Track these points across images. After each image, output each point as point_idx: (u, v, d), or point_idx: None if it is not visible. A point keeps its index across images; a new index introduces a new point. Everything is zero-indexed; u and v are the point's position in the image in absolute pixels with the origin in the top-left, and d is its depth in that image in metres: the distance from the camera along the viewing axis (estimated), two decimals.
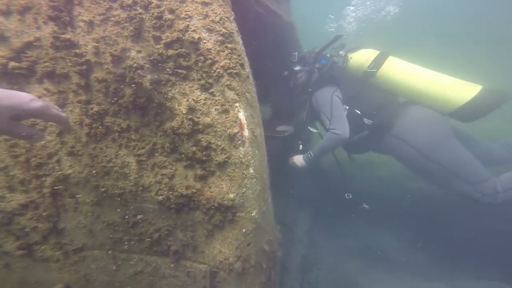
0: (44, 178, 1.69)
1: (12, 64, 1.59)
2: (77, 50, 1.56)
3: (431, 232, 3.51)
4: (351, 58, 3.29)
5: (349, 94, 3.13)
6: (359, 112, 3.01)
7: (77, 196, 1.67)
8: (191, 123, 1.43)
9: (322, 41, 3.49)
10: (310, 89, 3.38)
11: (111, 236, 1.65)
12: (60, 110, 1.17)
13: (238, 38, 1.54)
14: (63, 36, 1.54)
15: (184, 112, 1.44)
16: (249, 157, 1.45)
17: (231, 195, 1.47)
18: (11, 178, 1.74)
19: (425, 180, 3.12)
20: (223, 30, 1.43)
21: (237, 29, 1.56)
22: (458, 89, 2.68)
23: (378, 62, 3.04)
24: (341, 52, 3.45)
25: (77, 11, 1.54)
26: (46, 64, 1.60)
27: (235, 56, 1.45)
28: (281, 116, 4.06)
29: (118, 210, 1.62)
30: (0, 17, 1.59)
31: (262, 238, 1.59)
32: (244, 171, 1.45)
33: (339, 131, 2.98)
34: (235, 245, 1.50)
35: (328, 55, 3.49)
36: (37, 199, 1.73)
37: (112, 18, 1.49)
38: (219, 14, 1.45)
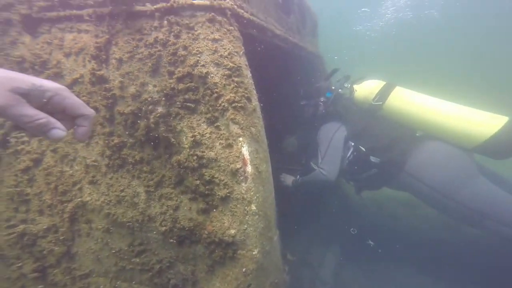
0: (66, 204, 1.79)
1: None
2: (106, 85, 1.68)
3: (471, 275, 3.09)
4: (355, 90, 3.10)
5: (355, 130, 2.89)
6: (364, 149, 2.77)
7: (91, 222, 1.74)
8: (195, 157, 1.43)
9: (347, 43, 3.41)
10: (316, 124, 3.22)
11: (115, 264, 1.66)
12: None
13: (247, 72, 1.55)
14: (98, 72, 1.68)
15: (190, 146, 1.46)
16: (252, 193, 1.40)
17: (232, 231, 1.42)
18: (42, 203, 1.86)
19: (453, 221, 2.80)
20: (231, 64, 1.45)
21: (246, 63, 1.58)
22: (479, 122, 2.35)
23: (383, 93, 2.81)
24: (346, 85, 3.25)
25: (112, 49, 1.67)
26: (83, 98, 1.74)
27: (241, 90, 1.45)
28: (306, 149, 3.99)
29: (125, 238, 1.64)
30: (63, 58, 1.79)
31: (265, 280, 1.49)
32: (246, 208, 1.40)
33: (325, 172, 2.77)
34: (234, 284, 1.42)
35: (333, 87, 3.32)
36: (58, 223, 1.82)
37: (137, 55, 1.59)
38: (228, 49, 1.48)
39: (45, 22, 1.82)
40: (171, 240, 1.51)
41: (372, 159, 2.73)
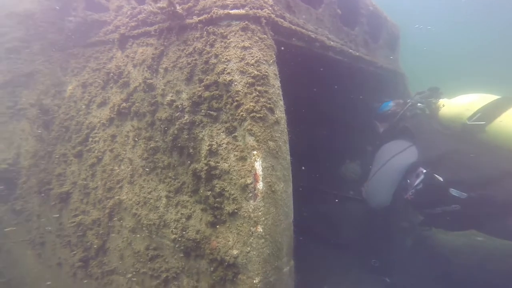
0: (109, 200, 1.93)
1: (123, 105, 1.95)
2: (153, 92, 1.79)
3: None
4: (443, 105, 2.44)
5: (432, 154, 2.27)
6: (441, 179, 2.15)
7: (123, 220, 1.82)
8: (208, 167, 1.36)
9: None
10: (377, 143, 2.71)
11: (133, 264, 1.67)
12: None
13: (274, 81, 1.43)
14: (149, 81, 1.81)
15: (205, 155, 1.39)
16: (260, 213, 1.25)
17: (235, 252, 1.28)
18: (95, 197, 2.06)
19: None
20: (255, 72, 1.35)
21: (275, 72, 1.46)
22: None
23: (489, 111, 2.13)
24: (432, 100, 2.60)
25: (163, 60, 1.78)
26: (136, 104, 1.88)
27: (263, 99, 1.34)
28: None
29: (145, 240, 1.65)
30: (132, 68, 1.99)
31: None
32: (252, 228, 1.25)
33: (367, 197, 2.36)
34: None
35: (400, 101, 2.79)
36: (101, 217, 1.97)
37: (178, 65, 1.64)
38: (256, 57, 1.39)
39: (131, 39, 2.03)
40: (180, 250, 1.46)
41: (454, 192, 2.12)
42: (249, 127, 1.30)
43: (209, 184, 1.38)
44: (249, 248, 1.25)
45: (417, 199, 2.31)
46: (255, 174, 1.26)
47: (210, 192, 1.36)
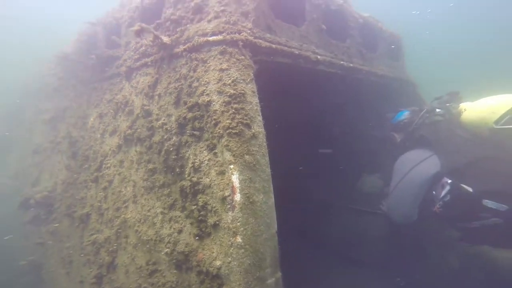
0: (116, 219, 2.06)
1: (128, 132, 2.11)
2: (149, 118, 1.95)
3: None
4: (464, 109, 2.23)
5: (456, 163, 2.06)
6: (471, 190, 1.95)
7: (128, 237, 1.93)
8: (192, 183, 1.43)
9: None
10: (395, 154, 2.50)
11: (136, 280, 1.75)
12: None
13: (252, 99, 1.49)
14: (146, 107, 1.98)
15: (189, 172, 1.47)
16: (238, 223, 1.27)
17: (218, 263, 1.30)
18: (107, 217, 2.21)
19: None
20: (232, 91, 1.42)
21: (253, 89, 1.52)
22: None
23: None
24: (451, 104, 2.39)
25: (157, 87, 1.95)
26: (138, 130, 2.04)
27: (239, 116, 1.39)
28: None
29: (145, 255, 1.73)
30: (134, 97, 2.14)
31: None
32: (231, 239, 1.27)
33: (388, 210, 2.19)
34: None
35: (416, 109, 2.59)
36: (111, 236, 2.11)
37: (168, 90, 1.78)
38: (233, 77, 1.46)
39: (135, 70, 2.20)
40: (172, 263, 1.52)
41: (490, 204, 1.91)
42: (226, 143, 1.37)
43: (194, 198, 1.45)
44: (230, 259, 1.27)
45: (446, 212, 2.09)
46: (233, 186, 1.31)
47: (195, 206, 1.43)
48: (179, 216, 1.55)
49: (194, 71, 1.59)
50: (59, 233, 2.85)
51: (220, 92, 1.45)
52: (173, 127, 1.63)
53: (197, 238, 1.42)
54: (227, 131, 1.37)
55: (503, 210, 1.86)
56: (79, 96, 3.02)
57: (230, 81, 1.47)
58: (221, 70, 1.51)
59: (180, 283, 1.49)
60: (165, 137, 1.66)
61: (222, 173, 1.36)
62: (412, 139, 2.46)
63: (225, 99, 1.43)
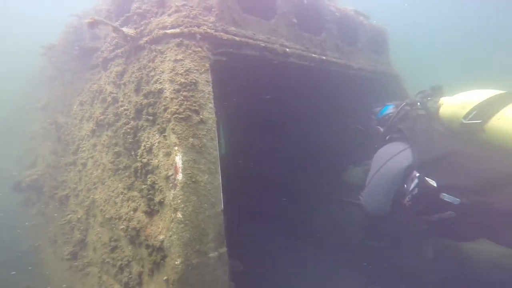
0: (87, 200, 2.18)
1: (100, 117, 2.21)
2: (116, 104, 2.04)
3: None
4: (442, 103, 2.20)
5: (426, 157, 2.03)
6: (434, 184, 1.93)
7: (96, 216, 2.04)
8: (142, 164, 1.53)
9: None
10: (376, 146, 2.51)
11: (101, 256, 1.86)
12: None
13: (203, 87, 1.57)
14: (113, 95, 2.06)
15: (141, 154, 1.57)
16: (179, 201, 1.37)
17: (161, 237, 1.40)
18: (80, 198, 2.32)
19: None
20: (183, 80, 1.50)
21: (207, 79, 1.60)
22: None
23: (487, 108, 1.86)
24: (432, 99, 2.36)
25: (124, 76, 2.03)
26: (108, 116, 2.15)
27: (187, 103, 1.48)
28: None
29: (108, 232, 1.84)
30: (108, 86, 2.26)
31: None
32: (172, 214, 1.37)
33: (364, 203, 2.21)
34: None
35: (389, 103, 2.59)
36: (82, 215, 2.23)
37: (131, 79, 1.87)
38: (187, 67, 1.56)
39: (110, 61, 2.28)
40: (128, 239, 1.63)
41: (446, 197, 1.89)
42: (172, 126, 1.45)
43: (145, 178, 1.55)
44: (171, 233, 1.37)
45: (414, 205, 2.09)
46: (176, 166, 1.40)
47: (145, 186, 1.53)
48: (136, 196, 1.66)
49: (153, 61, 1.68)
50: (46, 214, 2.99)
51: (171, 81, 1.54)
52: (131, 113, 1.73)
53: (147, 215, 1.52)
54: (174, 116, 1.46)
55: (456, 203, 1.84)
56: (66, 85, 3.13)
57: (182, 71, 1.55)
58: (176, 60, 1.59)
59: (135, 256, 1.60)
60: (125, 122, 1.76)
61: (168, 154, 1.45)
62: (392, 133, 2.45)
63: (175, 87, 1.52)
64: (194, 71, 1.59)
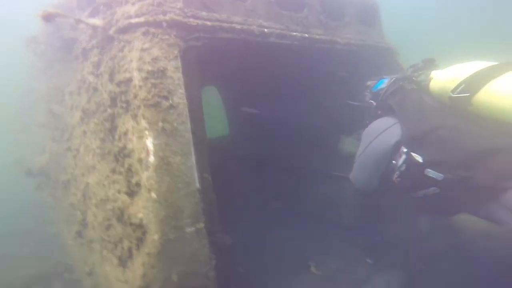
0: (82, 184, 2.33)
1: (86, 106, 2.28)
2: (97, 93, 2.11)
3: None
4: (432, 77, 2.10)
5: (414, 132, 1.95)
6: (420, 160, 1.87)
7: (91, 198, 2.20)
8: (119, 148, 1.64)
9: None
10: (367, 122, 2.47)
11: (100, 234, 2.02)
12: None
13: (173, 74, 1.62)
14: (93, 85, 2.12)
15: (118, 139, 1.67)
16: (152, 181, 1.47)
17: (140, 215, 1.53)
18: (78, 182, 2.48)
19: None
20: (150, 68, 1.54)
21: (176, 66, 1.65)
22: None
23: (475, 81, 1.76)
24: (423, 72, 2.26)
25: (101, 66, 2.05)
26: (92, 105, 2.20)
27: (156, 90, 1.53)
28: None
29: (102, 212, 1.99)
30: (89, 75, 2.37)
31: (171, 267, 1.51)
32: (147, 194, 1.48)
33: (353, 179, 2.23)
34: (141, 262, 1.53)
35: (384, 77, 2.51)
36: (80, 197, 2.39)
37: (106, 69, 1.91)
38: (154, 55, 1.60)
39: (89, 51, 2.33)
40: (117, 218, 1.77)
41: (431, 173, 1.83)
42: (142, 112, 1.53)
43: (123, 162, 1.65)
44: (147, 211, 1.49)
45: (402, 182, 2.03)
46: (147, 150, 1.50)
47: (123, 169, 1.64)
48: (119, 178, 1.77)
49: (122, 51, 1.72)
50: (56, 197, 3.19)
51: (139, 69, 1.59)
52: (107, 101, 1.81)
53: (128, 195, 1.64)
54: (143, 103, 1.53)
55: (439, 179, 1.78)
56: (57, 76, 3.21)
57: (149, 59, 1.60)
58: (143, 49, 1.63)
59: (124, 233, 1.74)
60: (103, 109, 1.84)
61: (140, 138, 1.54)
62: (383, 107, 2.39)
63: (143, 75, 1.57)
64: (162, 59, 1.63)
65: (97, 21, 1.82)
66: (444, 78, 1.97)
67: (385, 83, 2.49)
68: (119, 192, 1.74)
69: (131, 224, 1.60)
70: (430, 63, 2.28)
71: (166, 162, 1.51)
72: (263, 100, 4.29)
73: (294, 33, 2.53)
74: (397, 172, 2.02)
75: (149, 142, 1.49)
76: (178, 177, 1.54)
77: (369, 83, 2.70)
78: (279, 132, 4.42)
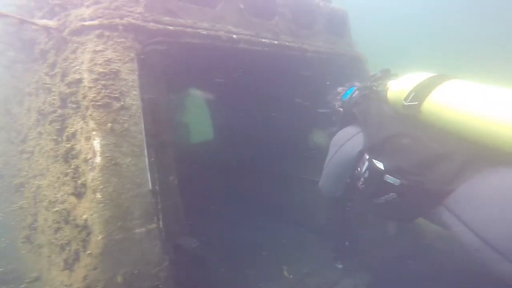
0: (33, 186, 2.25)
1: (42, 107, 2.20)
2: (50, 94, 2.06)
3: None
4: (388, 87, 2.16)
5: (374, 140, 2.02)
6: (381, 167, 1.90)
7: (41, 201, 2.12)
8: (67, 149, 1.61)
9: None
10: (336, 129, 2.52)
11: (48, 237, 1.93)
12: None
13: (127, 76, 1.61)
14: (46, 85, 2.06)
15: (66, 140, 1.64)
16: (98, 182, 1.44)
17: (85, 216, 1.50)
18: (30, 185, 2.38)
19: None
20: (101, 70, 1.53)
21: (131, 68, 1.65)
22: None
23: (422, 90, 1.82)
24: (379, 82, 2.34)
25: (55, 67, 1.98)
26: (46, 106, 2.14)
27: (106, 91, 1.51)
28: None
29: (52, 215, 1.93)
30: (45, 76, 2.31)
31: (115, 268, 1.48)
32: (92, 195, 1.46)
33: (320, 185, 2.30)
34: (84, 264, 1.50)
35: (355, 85, 2.54)
36: (31, 200, 2.30)
37: (59, 70, 1.87)
38: (106, 57, 1.59)
39: (47, 52, 2.20)
40: (64, 220, 1.72)
41: (389, 179, 1.87)
42: (90, 113, 1.51)
43: (71, 163, 1.62)
44: (92, 212, 1.46)
45: (366, 188, 2.07)
46: (94, 150, 1.48)
47: (71, 170, 1.60)
48: (68, 180, 1.73)
49: (75, 52, 1.70)
50: (10, 201, 3.03)
51: (90, 71, 1.57)
52: (58, 101, 1.78)
53: (75, 196, 1.60)
54: (92, 103, 1.51)
55: (396, 184, 1.80)
56: (19, 77, 3.09)
57: (101, 61, 1.59)
58: (95, 51, 1.61)
59: (71, 236, 1.69)
60: (53, 110, 1.80)
61: (88, 139, 1.52)
62: (348, 116, 2.43)
63: (93, 77, 1.55)
64: (116, 61, 1.63)
65: (50, 22, 1.79)
66: (398, 88, 2.03)
67: (353, 91, 2.51)
68: (67, 194, 1.69)
69: (77, 225, 1.56)
70: (387, 73, 2.36)
71: (114, 163, 1.49)
72: (238, 104, 4.34)
73: (264, 40, 2.60)
74: (362, 179, 2.06)
75: (96, 143, 1.47)
76: (128, 178, 1.53)
77: (340, 89, 2.70)
78: (253, 135, 4.47)
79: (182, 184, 1.96)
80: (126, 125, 1.56)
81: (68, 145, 1.61)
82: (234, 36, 2.36)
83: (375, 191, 1.99)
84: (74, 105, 1.64)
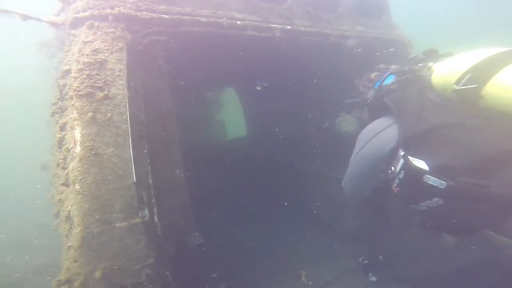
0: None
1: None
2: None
3: None
4: (433, 70, 1.70)
5: (414, 132, 1.56)
6: (424, 167, 1.46)
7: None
8: (59, 139, 1.58)
9: None
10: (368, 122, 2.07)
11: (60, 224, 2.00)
12: None
13: (114, 66, 1.54)
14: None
15: (59, 130, 1.62)
16: (77, 173, 1.37)
17: (68, 207, 1.45)
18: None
19: None
20: (87, 60, 1.46)
21: (119, 58, 1.57)
22: None
23: (483, 71, 1.38)
24: (420, 65, 1.86)
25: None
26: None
27: (90, 81, 1.44)
28: None
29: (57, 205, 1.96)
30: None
31: (94, 262, 1.40)
32: (71, 186, 1.40)
33: (343, 184, 1.95)
34: (66, 256, 1.45)
35: (391, 69, 2.05)
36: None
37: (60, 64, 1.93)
38: (94, 47, 1.52)
39: None
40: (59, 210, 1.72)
41: (431, 181, 1.43)
42: (73, 102, 1.46)
43: (62, 153, 1.60)
44: (72, 203, 1.40)
45: (402, 191, 1.66)
46: (75, 140, 1.42)
47: (61, 160, 1.58)
48: (60, 170, 1.72)
49: (70, 44, 1.70)
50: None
51: (77, 61, 1.53)
52: (57, 93, 1.79)
53: (66, 187, 1.57)
54: (75, 93, 1.46)
55: (442, 187, 1.39)
56: None
57: (88, 51, 1.54)
58: (84, 42, 1.57)
59: (64, 226, 1.68)
60: (54, 102, 1.82)
61: (72, 128, 1.47)
62: (377, 107, 1.99)
63: (79, 67, 1.50)
64: (104, 51, 1.56)
65: (56, 18, 1.82)
66: (447, 70, 1.60)
67: (388, 77, 2.05)
68: (60, 184, 1.69)
69: (66, 217, 1.53)
70: (431, 55, 1.87)
71: (95, 153, 1.41)
72: (269, 99, 4.15)
73: (273, 25, 2.36)
74: (396, 180, 1.65)
75: (77, 132, 1.41)
76: (109, 169, 1.43)
77: (372, 75, 2.27)
78: (282, 132, 4.24)
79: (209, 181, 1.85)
80: (109, 114, 1.47)
81: (60, 136, 1.58)
82: (239, 22, 2.16)
83: (413, 196, 1.58)
84: (67, 96, 1.61)
